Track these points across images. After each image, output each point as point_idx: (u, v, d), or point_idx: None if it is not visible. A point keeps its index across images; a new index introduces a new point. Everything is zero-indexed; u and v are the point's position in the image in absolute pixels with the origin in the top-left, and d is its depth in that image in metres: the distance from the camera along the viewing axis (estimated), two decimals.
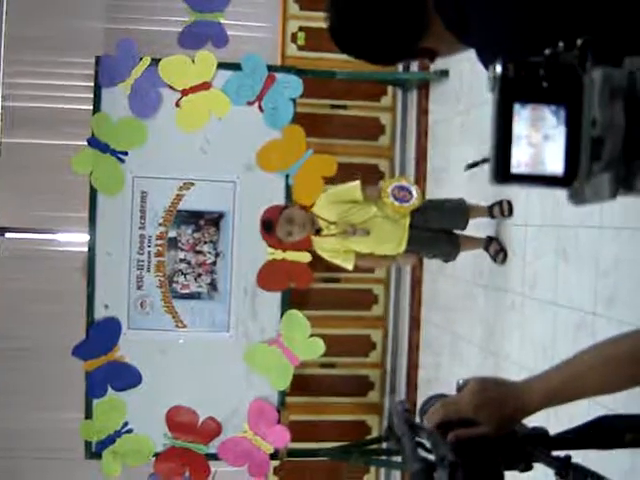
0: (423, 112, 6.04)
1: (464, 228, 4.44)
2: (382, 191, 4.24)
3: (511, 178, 0.95)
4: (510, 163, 0.95)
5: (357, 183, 4.35)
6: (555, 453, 1.29)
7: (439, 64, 5.66)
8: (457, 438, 1.22)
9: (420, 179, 5.94)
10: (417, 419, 1.40)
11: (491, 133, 0.96)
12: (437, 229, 4.39)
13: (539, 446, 1.29)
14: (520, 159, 0.95)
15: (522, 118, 0.95)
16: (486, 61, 1.24)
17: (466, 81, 5.20)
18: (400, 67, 6.18)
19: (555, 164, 0.95)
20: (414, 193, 4.22)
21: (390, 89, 6.32)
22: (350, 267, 4.40)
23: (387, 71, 6.14)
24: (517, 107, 0.95)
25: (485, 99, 4.74)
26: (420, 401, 1.38)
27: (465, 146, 5.13)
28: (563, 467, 1.26)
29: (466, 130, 5.16)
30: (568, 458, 1.27)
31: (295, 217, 4.18)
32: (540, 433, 1.31)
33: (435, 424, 1.28)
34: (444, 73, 5.52)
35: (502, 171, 0.95)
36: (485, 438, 1.23)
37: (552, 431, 1.33)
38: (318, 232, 4.24)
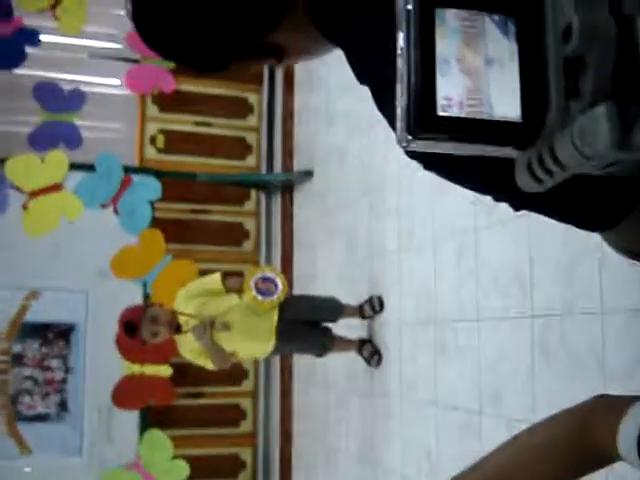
0: (287, 216, 5.91)
1: (335, 320, 4.20)
2: (245, 283, 3.96)
3: (437, 127, 0.56)
4: (435, 101, 0.56)
5: (217, 274, 4.05)
6: None
7: (303, 163, 5.57)
8: None
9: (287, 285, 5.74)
10: None
11: (400, 62, 0.58)
12: (308, 321, 4.14)
13: None
14: (450, 94, 0.56)
15: (450, 32, 0.57)
16: (364, 71, 0.86)
17: (331, 181, 5.09)
18: (263, 169, 6.07)
19: (506, 104, 0.56)
20: (279, 285, 3.97)
21: (254, 193, 6.17)
22: (214, 368, 3.99)
23: (250, 173, 6.03)
24: (441, 14, 0.57)
25: (351, 198, 4.68)
26: None
27: (331, 249, 4.97)
28: None
29: (332, 232, 5.02)
30: None
31: (159, 316, 3.76)
32: None
33: None
34: (308, 173, 5.41)
35: (422, 116, 0.55)
36: None
37: None
38: (178, 330, 3.85)
